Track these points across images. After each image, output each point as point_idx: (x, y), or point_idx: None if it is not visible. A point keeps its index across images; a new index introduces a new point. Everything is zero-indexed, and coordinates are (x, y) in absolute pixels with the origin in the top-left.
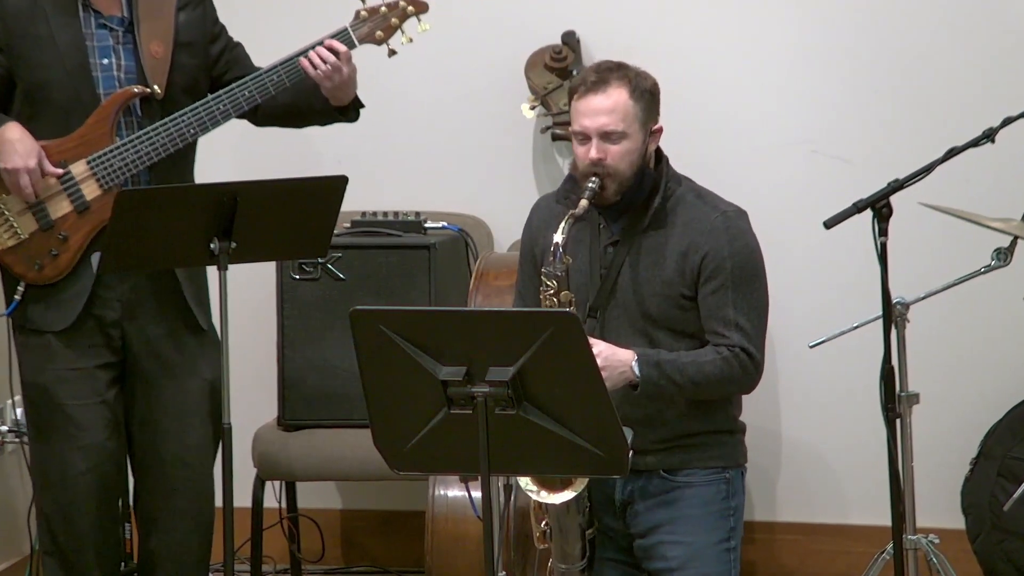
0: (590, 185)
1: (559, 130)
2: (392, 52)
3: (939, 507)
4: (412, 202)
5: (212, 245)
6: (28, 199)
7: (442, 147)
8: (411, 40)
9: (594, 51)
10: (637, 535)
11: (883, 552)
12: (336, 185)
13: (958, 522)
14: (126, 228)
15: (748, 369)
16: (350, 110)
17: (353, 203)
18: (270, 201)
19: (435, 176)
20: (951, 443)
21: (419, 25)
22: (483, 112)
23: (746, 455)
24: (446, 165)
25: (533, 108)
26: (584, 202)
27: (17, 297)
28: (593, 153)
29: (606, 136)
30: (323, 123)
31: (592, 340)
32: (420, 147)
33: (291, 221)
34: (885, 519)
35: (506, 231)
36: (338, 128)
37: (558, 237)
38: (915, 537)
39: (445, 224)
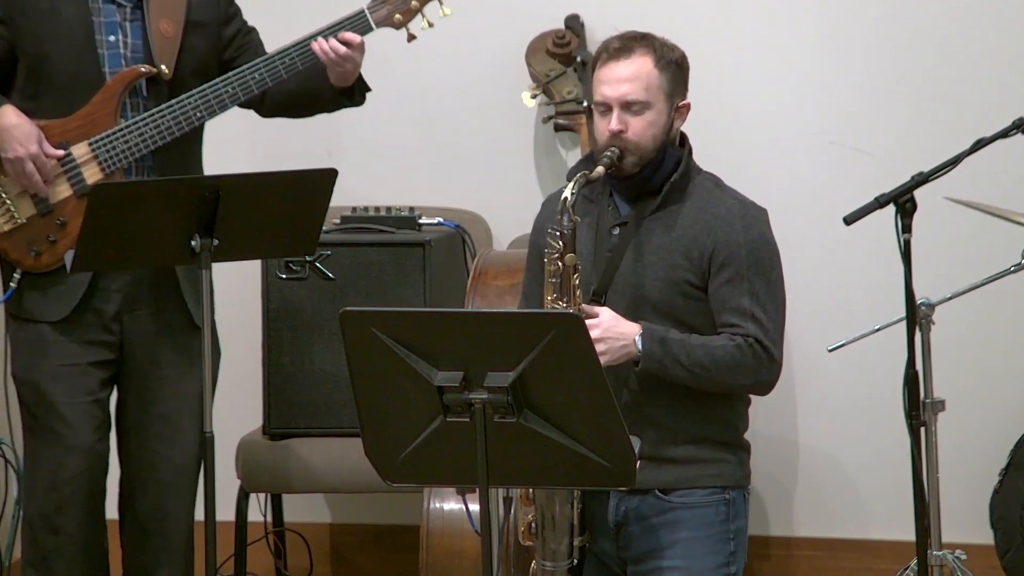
0: (608, 153)
1: (562, 120)
2: (412, 37)
3: (966, 521)
4: (406, 197)
5: (193, 242)
6: (37, 188)
7: (438, 138)
8: (431, 25)
9: (599, 36)
10: (631, 560)
11: (907, 569)
12: (325, 178)
13: (986, 537)
14: (101, 224)
15: (762, 361)
16: (355, 93)
17: (343, 198)
18: (255, 195)
19: (430, 169)
20: (979, 453)
21: (440, 9)
22: (481, 101)
23: (749, 477)
24: (442, 157)
25: (534, 97)
26: (600, 168)
27: (12, 284)
28: (613, 124)
29: (627, 106)
30: (330, 110)
31: (595, 310)
32: (414, 138)
33: (277, 217)
34: (909, 534)
35: (506, 228)
36: (327, 118)
37: (566, 193)
38: (941, 553)
39: (441, 220)
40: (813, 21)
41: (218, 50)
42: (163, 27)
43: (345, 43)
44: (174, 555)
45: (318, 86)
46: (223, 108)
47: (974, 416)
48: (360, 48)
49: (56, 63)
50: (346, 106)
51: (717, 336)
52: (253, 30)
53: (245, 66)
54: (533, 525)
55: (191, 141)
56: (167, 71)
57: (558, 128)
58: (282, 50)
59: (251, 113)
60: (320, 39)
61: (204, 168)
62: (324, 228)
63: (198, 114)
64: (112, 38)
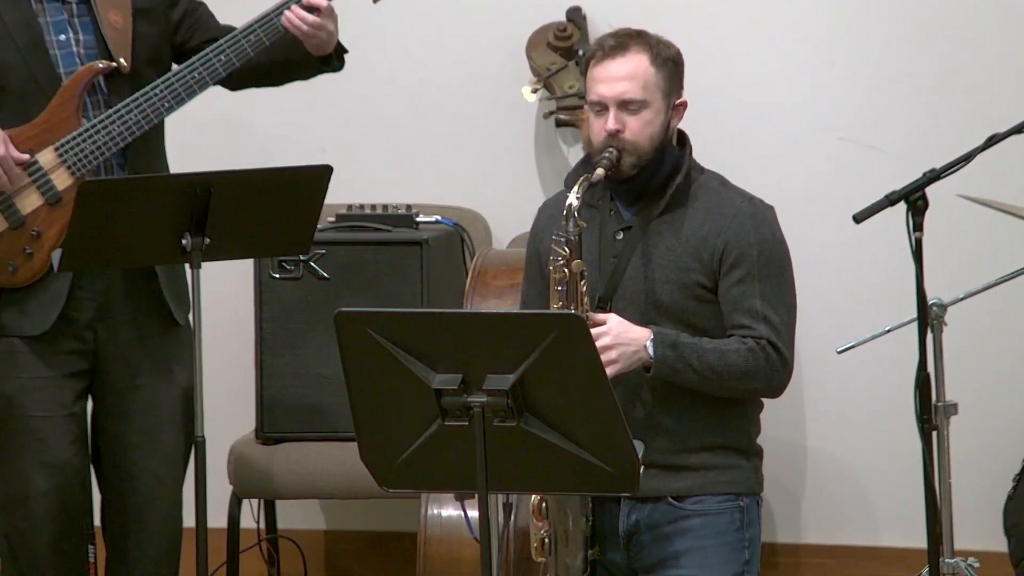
0: (606, 155)
1: (563, 115)
2: None
3: (979, 528)
4: (403, 194)
5: (184, 241)
6: (4, 188)
7: (436, 134)
8: None
9: (601, 29)
10: (642, 570)
11: None
12: (320, 175)
13: (1000, 544)
14: (89, 223)
15: (775, 365)
16: (333, 58)
17: (338, 195)
18: (247, 193)
19: (428, 166)
20: (992, 457)
21: None
22: (480, 96)
23: (762, 483)
24: (440, 154)
25: (535, 91)
26: (600, 170)
27: None
28: (610, 124)
29: (624, 105)
30: (305, 77)
31: (601, 317)
32: (412, 134)
33: (270, 215)
34: (920, 541)
35: (505, 226)
36: (323, 114)
37: (572, 199)
38: (953, 560)
39: (439, 218)
40: (822, 14)
41: (168, 34)
42: (113, 19)
43: (312, 9)
44: (154, 564)
45: (290, 56)
46: (191, 95)
47: (988, 420)
48: (329, 13)
49: (7, 71)
50: (324, 72)
51: (729, 340)
52: (201, 4)
53: (209, 49)
54: (546, 541)
55: (155, 137)
56: (126, 64)
57: (559, 123)
58: (247, 27)
59: (243, 108)
60: (288, 13)
61: (169, 162)
62: (319, 226)
63: (166, 104)
64: (63, 37)
